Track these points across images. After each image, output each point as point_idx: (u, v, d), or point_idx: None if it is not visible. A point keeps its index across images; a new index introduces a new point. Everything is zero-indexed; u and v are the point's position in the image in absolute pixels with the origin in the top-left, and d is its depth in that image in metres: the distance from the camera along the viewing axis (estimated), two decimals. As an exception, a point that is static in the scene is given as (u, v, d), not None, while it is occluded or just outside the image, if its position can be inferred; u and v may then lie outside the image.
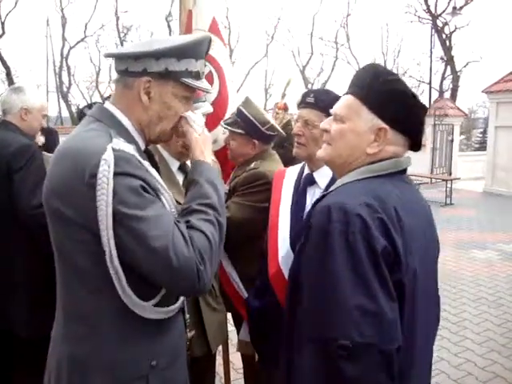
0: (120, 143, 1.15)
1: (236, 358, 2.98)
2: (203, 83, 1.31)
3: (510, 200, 10.43)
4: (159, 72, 1.21)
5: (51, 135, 6.24)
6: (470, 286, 5.10)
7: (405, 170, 1.31)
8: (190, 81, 1.25)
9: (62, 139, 7.43)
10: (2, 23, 23.95)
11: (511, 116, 11.01)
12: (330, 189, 1.30)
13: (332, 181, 1.82)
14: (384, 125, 1.24)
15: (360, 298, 1.06)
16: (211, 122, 2.34)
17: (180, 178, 1.90)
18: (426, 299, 1.26)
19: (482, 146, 22.13)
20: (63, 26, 27.95)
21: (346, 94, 1.34)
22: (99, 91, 32.29)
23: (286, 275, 1.74)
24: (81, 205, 1.12)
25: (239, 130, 2.28)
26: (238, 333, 2.28)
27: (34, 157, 2.41)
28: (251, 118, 2.24)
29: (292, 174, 2.01)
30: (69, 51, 28.90)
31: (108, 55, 1.31)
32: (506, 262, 5.96)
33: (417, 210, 1.27)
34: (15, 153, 2.38)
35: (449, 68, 24.16)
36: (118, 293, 1.15)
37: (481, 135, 29.94)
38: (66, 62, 29.12)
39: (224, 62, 2.73)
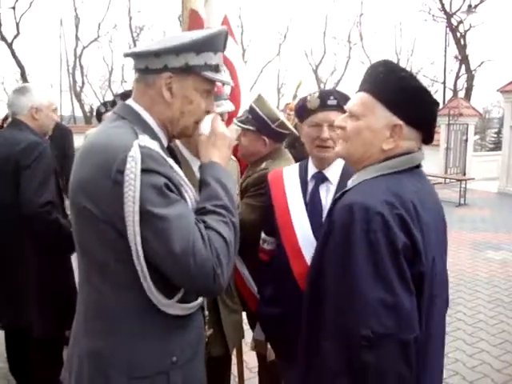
0: (146, 140, 1.16)
1: (249, 357, 2.98)
2: (223, 76, 1.32)
3: (525, 201, 10.30)
4: (180, 67, 1.23)
5: (66, 134, 6.28)
6: (485, 287, 5.04)
7: (419, 165, 1.35)
8: (209, 74, 1.27)
9: (76, 138, 7.52)
10: (17, 24, 24.22)
11: (527, 116, 10.89)
12: (349, 185, 1.33)
13: (343, 176, 1.85)
14: (399, 121, 1.28)
15: (380, 291, 1.13)
16: (230, 119, 2.34)
17: None
18: (441, 286, 1.33)
19: (497, 146, 21.89)
20: (76, 26, 28.19)
21: (360, 91, 1.36)
22: (112, 90, 32.50)
23: None
24: (107, 201, 1.13)
25: (250, 127, 2.29)
26: (253, 331, 2.28)
27: (42, 154, 2.42)
28: (262, 114, 2.26)
29: (291, 173, 1.98)
30: (82, 51, 29.15)
31: (127, 54, 1.31)
32: (522, 263, 5.89)
33: (431, 203, 1.33)
34: (24, 150, 2.40)
35: (463, 67, 23.92)
36: (143, 289, 1.17)
37: (495, 135, 29.59)
38: (80, 62, 29.36)
39: (236, 60, 2.75)
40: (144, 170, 1.11)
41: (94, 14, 45.34)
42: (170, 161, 1.21)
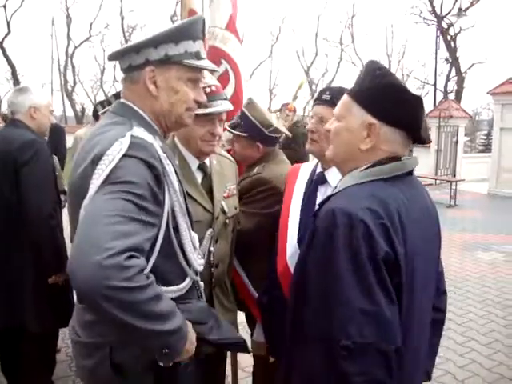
0: (139, 131, 1.18)
1: (242, 357, 2.99)
2: (205, 62, 1.33)
3: (514, 202, 10.41)
4: (160, 59, 1.25)
5: (59, 133, 6.26)
6: (475, 287, 5.10)
7: (411, 172, 1.30)
8: (191, 61, 1.28)
9: (67, 138, 7.43)
10: (8, 22, 24.05)
11: (516, 118, 11.01)
12: (336, 190, 1.30)
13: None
14: (374, 120, 1.24)
15: (361, 300, 1.10)
16: (228, 118, 2.35)
17: (199, 177, 1.90)
18: (425, 299, 1.30)
19: (486, 148, 22.09)
20: (68, 25, 28.07)
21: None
22: (103, 90, 32.35)
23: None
24: (80, 184, 1.15)
25: (242, 133, 2.25)
26: (252, 335, 2.29)
27: (40, 151, 2.45)
28: (254, 120, 2.21)
29: (306, 171, 2.02)
30: (74, 50, 29.04)
31: (111, 56, 1.34)
32: (511, 263, 5.95)
33: (421, 212, 1.29)
34: (20, 147, 2.42)
35: (453, 69, 24.12)
36: None
37: (485, 137, 29.88)
38: (71, 61, 29.25)
39: (240, 60, 2.75)
40: (129, 156, 1.11)
41: (86, 13, 45.08)
42: (163, 155, 1.22)
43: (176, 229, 1.28)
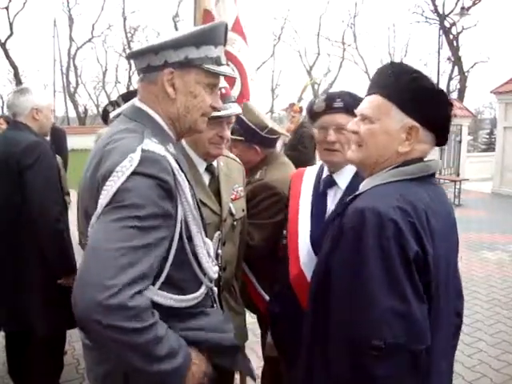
0: (150, 144, 1.15)
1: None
2: (225, 68, 1.32)
3: (518, 201, 10.37)
4: (180, 61, 1.23)
5: (58, 134, 6.27)
6: (481, 287, 5.07)
7: (433, 174, 1.31)
8: (211, 66, 1.26)
9: (69, 139, 7.44)
10: (11, 24, 24.11)
11: (520, 117, 10.97)
12: (361, 189, 1.30)
13: (353, 181, 1.81)
14: (415, 123, 1.24)
15: (392, 300, 1.09)
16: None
17: (206, 178, 1.89)
18: (449, 299, 1.30)
19: (489, 147, 22.02)
20: (70, 26, 28.13)
21: (371, 94, 1.33)
22: (106, 91, 32.40)
23: (308, 277, 1.75)
24: (89, 202, 1.15)
25: (239, 137, 2.26)
26: (262, 336, 2.28)
27: (44, 154, 2.44)
28: (250, 123, 2.22)
29: (311, 174, 1.98)
30: (76, 51, 29.11)
31: (129, 56, 1.31)
32: (518, 263, 5.93)
33: (443, 214, 1.29)
34: (24, 150, 2.41)
35: (456, 69, 24.06)
36: None
37: (487, 136, 29.78)
38: (73, 63, 29.30)
39: (246, 60, 2.75)
40: (139, 173, 1.09)
41: (88, 14, 45.21)
42: (176, 167, 1.19)
43: (189, 238, 1.26)
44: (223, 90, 1.79)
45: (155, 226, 1.09)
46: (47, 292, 2.47)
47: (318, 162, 2.02)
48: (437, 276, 1.19)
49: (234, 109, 1.81)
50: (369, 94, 1.34)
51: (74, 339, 3.52)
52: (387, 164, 1.28)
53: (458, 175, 12.74)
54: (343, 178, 1.83)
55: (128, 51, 1.33)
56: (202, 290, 1.33)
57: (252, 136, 2.23)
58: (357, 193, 1.30)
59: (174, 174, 1.17)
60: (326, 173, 1.91)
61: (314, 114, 1.85)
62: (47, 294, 2.47)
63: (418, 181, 1.24)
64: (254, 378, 1.60)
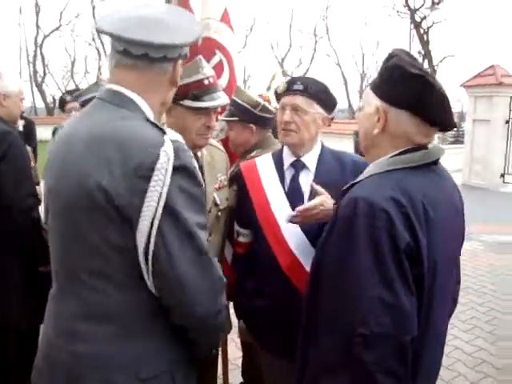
0: (172, 132, 1.16)
1: (230, 351, 2.97)
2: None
3: (487, 192, 10.63)
4: (182, 55, 1.26)
5: (30, 126, 6.09)
6: (455, 276, 5.20)
7: (437, 161, 1.29)
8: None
9: (38, 130, 7.18)
10: (-27, 10, 23.18)
11: (488, 110, 11.23)
12: (358, 178, 1.29)
13: (319, 162, 1.88)
14: (382, 103, 1.24)
15: (381, 290, 1.09)
16: (222, 109, 2.35)
17: None
18: (444, 290, 1.29)
19: (457, 139, 22.51)
20: (37, 14, 27.25)
21: None
22: (74, 81, 31.62)
23: (304, 263, 1.77)
24: (126, 197, 1.08)
25: (234, 118, 2.33)
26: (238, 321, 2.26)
27: (14, 144, 2.33)
28: (242, 103, 2.30)
29: (265, 163, 1.96)
30: (43, 40, 28.22)
31: (160, 46, 1.18)
32: (489, 252, 6.11)
33: (445, 202, 1.27)
34: None
35: (426, 62, 24.51)
36: (147, 287, 1.13)
37: (455, 129, 30.52)
38: (41, 51, 28.43)
39: (233, 50, 2.77)
40: (178, 168, 1.10)
41: (56, 2, 43.84)
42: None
43: None
44: (211, 80, 1.75)
45: (204, 213, 1.22)
46: (28, 285, 2.40)
47: (268, 152, 2.05)
48: (434, 266, 1.18)
49: (223, 99, 1.79)
50: None
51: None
52: (379, 150, 1.28)
53: (429, 167, 13.00)
54: (311, 160, 1.89)
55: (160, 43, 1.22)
56: None
57: (246, 115, 2.31)
58: (355, 180, 1.29)
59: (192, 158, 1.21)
60: (289, 158, 1.90)
61: (277, 96, 1.91)
62: (28, 287, 2.40)
63: (418, 169, 1.23)
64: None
